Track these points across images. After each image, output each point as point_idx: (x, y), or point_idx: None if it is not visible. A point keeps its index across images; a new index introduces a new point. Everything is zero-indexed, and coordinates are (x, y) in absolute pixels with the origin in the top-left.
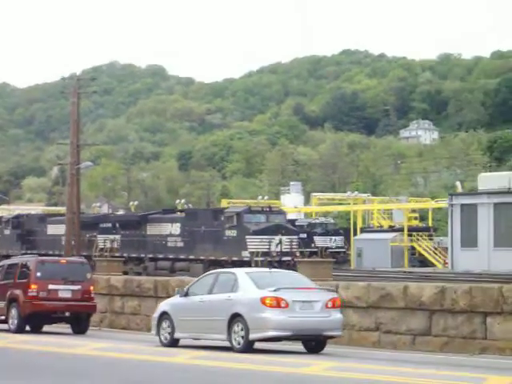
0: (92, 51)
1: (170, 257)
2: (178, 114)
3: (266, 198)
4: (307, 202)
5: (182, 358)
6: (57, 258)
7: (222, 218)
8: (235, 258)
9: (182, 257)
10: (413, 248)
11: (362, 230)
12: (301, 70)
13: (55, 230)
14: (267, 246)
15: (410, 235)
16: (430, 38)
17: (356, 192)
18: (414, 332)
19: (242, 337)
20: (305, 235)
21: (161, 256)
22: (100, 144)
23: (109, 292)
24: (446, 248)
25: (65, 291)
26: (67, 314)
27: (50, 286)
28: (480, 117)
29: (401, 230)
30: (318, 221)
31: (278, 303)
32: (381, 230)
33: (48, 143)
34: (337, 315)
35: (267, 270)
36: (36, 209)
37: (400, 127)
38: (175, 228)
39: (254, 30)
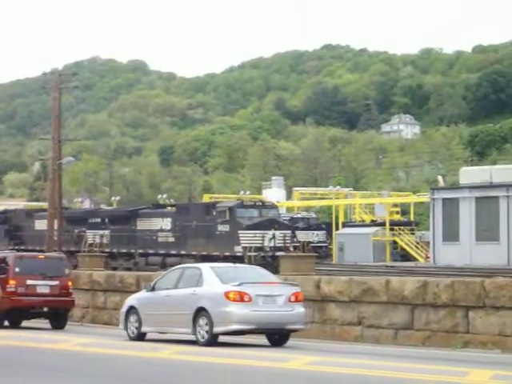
0: (73, 46)
1: (161, 252)
2: (160, 109)
3: (248, 192)
4: (289, 196)
5: (165, 352)
6: (35, 253)
7: (214, 213)
8: (228, 253)
9: (173, 252)
10: (395, 242)
11: (344, 225)
12: (282, 64)
13: (43, 225)
14: (260, 241)
15: (391, 229)
16: (411, 32)
17: (338, 186)
18: (396, 326)
19: (207, 331)
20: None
21: (151, 251)
22: (82, 139)
23: (91, 287)
24: (428, 242)
25: (43, 287)
26: (45, 309)
27: (29, 282)
28: (461, 111)
29: (383, 224)
30: (299, 215)
31: (241, 297)
32: (363, 225)
33: (30, 138)
34: (300, 309)
35: (232, 264)
36: (18, 204)
37: (381, 122)
38: (166, 223)
39: (235, 25)
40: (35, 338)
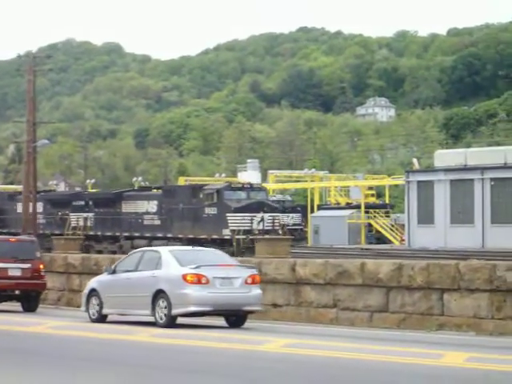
0: (48, 29)
1: (147, 235)
2: (135, 92)
3: (223, 175)
4: (264, 179)
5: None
6: (6, 236)
7: (201, 195)
8: (215, 237)
9: (159, 235)
10: (370, 225)
11: (319, 208)
12: (257, 47)
13: None
14: (249, 224)
15: (367, 212)
16: (386, 15)
17: (313, 169)
18: (371, 309)
19: (165, 313)
20: None
21: (137, 234)
22: (56, 122)
23: (66, 270)
24: (403, 225)
25: (14, 269)
26: (17, 292)
27: (0, 265)
28: (436, 94)
29: (358, 207)
30: (275, 198)
31: (198, 280)
32: (338, 207)
33: (4, 121)
34: (256, 291)
35: (190, 247)
36: None
37: (357, 104)
38: (152, 206)
39: (210, 7)
40: (6, 320)
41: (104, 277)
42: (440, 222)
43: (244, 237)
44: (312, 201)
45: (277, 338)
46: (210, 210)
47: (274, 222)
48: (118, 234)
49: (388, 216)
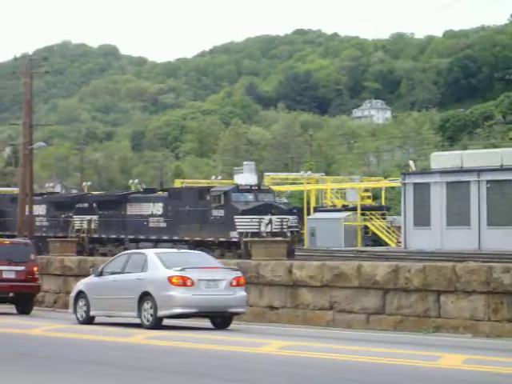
0: (44, 31)
1: (153, 238)
2: (131, 94)
3: (219, 177)
4: (260, 181)
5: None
6: (1, 239)
7: (208, 197)
8: (223, 239)
9: (165, 238)
10: (366, 227)
11: (316, 210)
12: (253, 49)
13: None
14: (257, 226)
15: (363, 214)
16: (382, 17)
17: (309, 171)
18: (367, 311)
19: (151, 314)
20: None
21: (142, 237)
22: (53, 124)
23: (63, 273)
24: (399, 227)
25: (9, 272)
26: (11, 294)
27: None
28: (432, 96)
29: (354, 209)
30: None
31: (184, 282)
32: (334, 210)
33: (0, 123)
34: (241, 293)
35: (176, 250)
36: None
37: (353, 107)
38: (157, 208)
39: (206, 9)
40: (3, 323)
41: (91, 279)
42: (436, 224)
43: (252, 239)
44: (308, 203)
45: (273, 340)
46: (218, 213)
47: (282, 224)
48: (122, 236)
49: (384, 218)
